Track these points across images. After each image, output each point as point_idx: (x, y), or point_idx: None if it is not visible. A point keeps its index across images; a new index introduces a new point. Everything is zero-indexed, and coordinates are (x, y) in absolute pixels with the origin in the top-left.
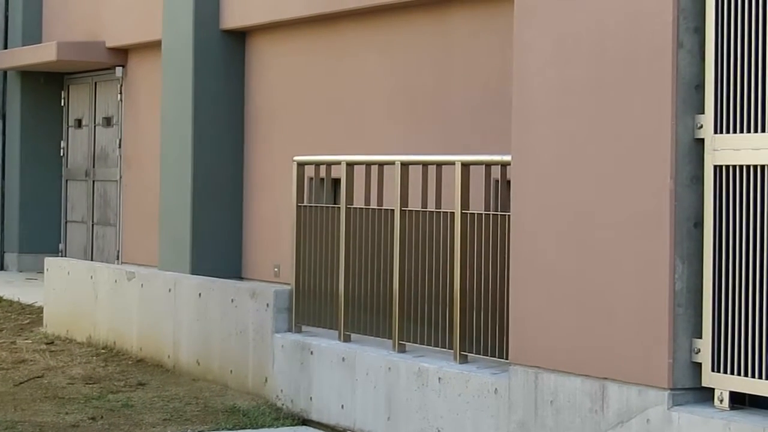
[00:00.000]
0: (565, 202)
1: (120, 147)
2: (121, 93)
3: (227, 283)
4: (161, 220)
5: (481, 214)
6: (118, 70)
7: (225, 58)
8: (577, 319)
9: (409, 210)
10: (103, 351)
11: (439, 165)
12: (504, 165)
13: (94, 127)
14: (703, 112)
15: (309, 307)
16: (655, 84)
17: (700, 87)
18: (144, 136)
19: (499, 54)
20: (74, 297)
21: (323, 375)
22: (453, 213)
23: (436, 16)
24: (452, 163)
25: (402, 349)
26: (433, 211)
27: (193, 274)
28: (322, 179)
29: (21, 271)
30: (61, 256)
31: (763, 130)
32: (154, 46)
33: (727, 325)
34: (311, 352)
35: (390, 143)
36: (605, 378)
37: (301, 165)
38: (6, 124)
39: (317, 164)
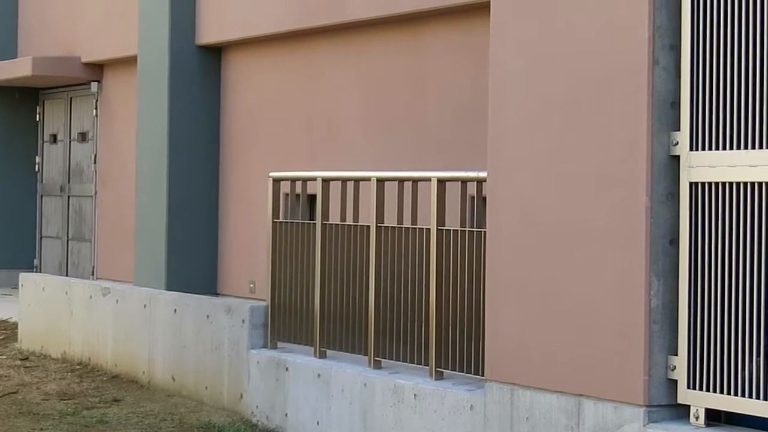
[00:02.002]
0: (540, 219)
1: (95, 162)
2: (96, 108)
3: (203, 299)
4: (136, 235)
5: (457, 230)
6: (94, 86)
7: (201, 73)
8: (552, 335)
9: (384, 226)
10: (78, 367)
11: (414, 181)
12: (480, 181)
13: (70, 142)
14: (678, 129)
15: (285, 323)
16: (630, 101)
17: (676, 104)
18: (119, 152)
19: (474, 70)
20: (49, 313)
21: (299, 391)
22: (429, 229)
23: (410, 33)
24: (428, 180)
25: (378, 366)
26: (408, 228)
27: (168, 290)
28: (298, 195)
29: None
30: (36, 272)
31: (739, 147)
32: (130, 61)
33: (702, 342)
34: (287, 368)
35: (365, 159)
36: (581, 395)
37: (276, 181)
38: None
39: (293, 180)
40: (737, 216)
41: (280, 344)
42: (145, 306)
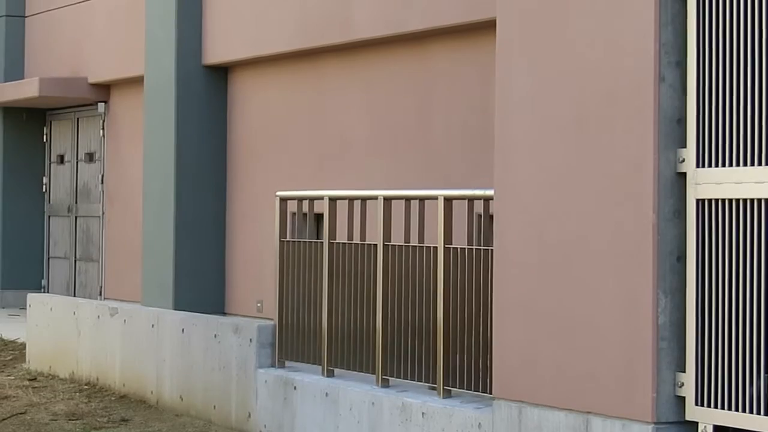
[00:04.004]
0: (547, 237)
1: (102, 183)
2: (103, 129)
3: (210, 319)
4: (144, 255)
5: (464, 248)
6: (101, 106)
7: (207, 93)
8: (560, 353)
9: (392, 245)
10: (86, 387)
11: (421, 200)
12: (487, 199)
13: (77, 162)
14: (685, 146)
15: (292, 342)
16: (636, 118)
17: (682, 121)
18: (127, 172)
19: (481, 87)
20: (57, 333)
21: (306, 410)
22: (436, 247)
23: (416, 51)
24: (435, 198)
25: (385, 384)
26: (416, 246)
27: (176, 309)
28: (305, 214)
29: (3, 308)
30: (44, 292)
31: (745, 164)
32: (137, 81)
33: (710, 359)
34: (294, 387)
35: (372, 178)
36: (589, 412)
37: (283, 200)
38: None
39: (300, 199)
40: (744, 232)
41: (287, 363)
42: (152, 326)
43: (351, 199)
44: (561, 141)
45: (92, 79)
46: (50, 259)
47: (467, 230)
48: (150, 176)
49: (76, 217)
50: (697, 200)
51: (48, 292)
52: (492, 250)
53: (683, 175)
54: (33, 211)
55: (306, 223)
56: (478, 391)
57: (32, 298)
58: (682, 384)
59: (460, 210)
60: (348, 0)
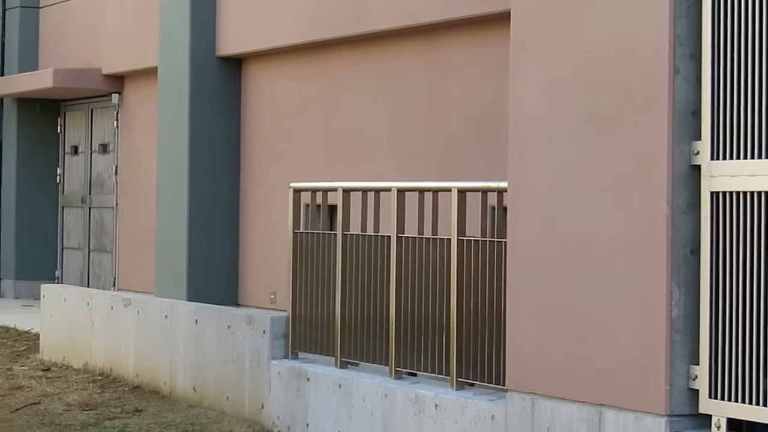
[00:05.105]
0: (561, 229)
1: (116, 174)
2: (117, 120)
3: (223, 310)
4: (157, 246)
5: (478, 240)
6: (115, 97)
7: (221, 84)
8: (573, 345)
9: (405, 236)
10: (99, 377)
11: (435, 191)
12: (500, 191)
13: (91, 153)
14: (699, 139)
15: (305, 333)
16: (651, 110)
17: (697, 113)
18: (140, 163)
19: (494, 79)
20: (70, 324)
21: (319, 401)
22: (450, 239)
23: (430, 43)
24: (449, 190)
25: (399, 376)
26: (429, 238)
27: (189, 300)
28: (319, 206)
29: (17, 298)
30: (58, 283)
31: (760, 156)
32: (151, 73)
33: (724, 352)
34: (308, 379)
35: (385, 169)
36: (602, 404)
37: (297, 191)
38: (2, 151)
39: (313, 191)
40: (758, 225)
41: (301, 355)
42: (166, 317)
43: (365, 191)
44: (575, 133)
45: (106, 70)
46: (64, 250)
47: (481, 222)
48: (163, 167)
49: (89, 208)
50: (712, 193)
51: (62, 282)
52: (505, 242)
53: (697, 168)
54: (47, 202)
55: (319, 215)
56: (491, 383)
57: (46, 288)
58: (696, 377)
59: (473, 202)
60: None
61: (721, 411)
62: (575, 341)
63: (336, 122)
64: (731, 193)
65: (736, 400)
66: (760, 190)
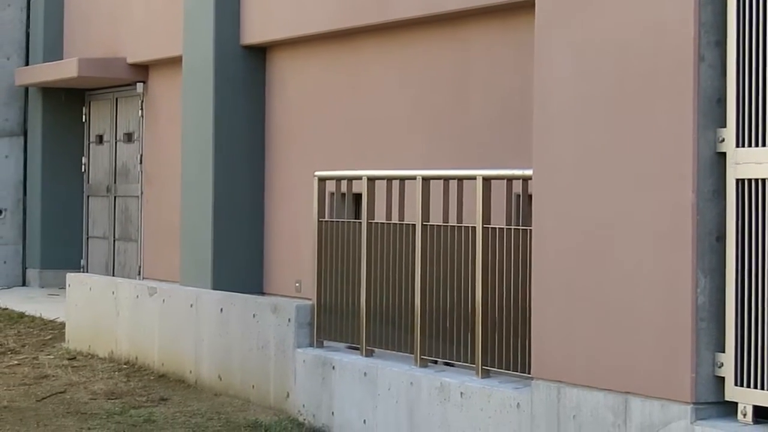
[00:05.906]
0: (586, 217)
1: (141, 163)
2: (142, 109)
3: (248, 298)
4: (182, 235)
5: (503, 228)
6: (139, 86)
7: (245, 73)
8: (599, 333)
9: (430, 225)
10: (125, 366)
11: (460, 179)
12: (525, 179)
13: (116, 143)
14: (724, 126)
15: (330, 321)
16: (676, 98)
17: (722, 100)
18: (165, 152)
19: (519, 67)
20: (96, 312)
21: (345, 390)
22: (474, 227)
23: (454, 31)
24: (473, 178)
25: (424, 364)
26: (454, 226)
27: (214, 289)
28: (343, 194)
29: (43, 287)
30: (83, 272)
31: None
32: (175, 62)
33: (750, 339)
34: (333, 367)
35: (410, 158)
36: (628, 392)
37: (322, 180)
38: (27, 141)
39: (338, 179)
40: None
41: (326, 343)
42: (191, 305)
43: (389, 179)
44: (600, 121)
45: (131, 60)
46: (89, 239)
47: (506, 210)
48: (188, 156)
49: (114, 197)
50: (737, 180)
51: (87, 271)
52: (530, 230)
53: (723, 155)
54: (72, 191)
55: (344, 203)
56: (517, 372)
57: (71, 277)
58: (722, 364)
59: (498, 190)
60: None
61: (747, 398)
62: (601, 329)
63: (360, 111)
64: (757, 180)
65: (762, 388)
66: None
